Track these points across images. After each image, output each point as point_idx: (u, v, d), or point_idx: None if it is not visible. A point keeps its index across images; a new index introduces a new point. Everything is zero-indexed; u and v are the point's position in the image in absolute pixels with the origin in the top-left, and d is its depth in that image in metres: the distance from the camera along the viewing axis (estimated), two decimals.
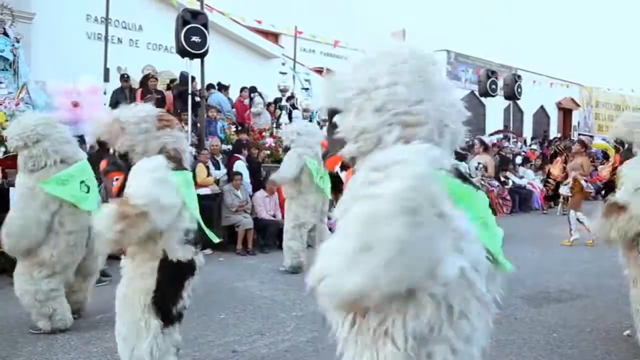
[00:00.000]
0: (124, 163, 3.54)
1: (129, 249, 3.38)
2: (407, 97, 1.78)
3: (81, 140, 7.59)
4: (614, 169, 4.94)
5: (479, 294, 1.63)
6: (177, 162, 3.47)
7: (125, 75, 11.69)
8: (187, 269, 3.42)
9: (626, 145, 4.57)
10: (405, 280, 1.46)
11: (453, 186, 1.66)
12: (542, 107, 28.87)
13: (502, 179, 14.84)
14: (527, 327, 5.21)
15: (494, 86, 20.09)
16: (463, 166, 5.80)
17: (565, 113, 31.21)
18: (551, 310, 5.77)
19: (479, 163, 13.01)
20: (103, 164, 4.12)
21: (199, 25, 9.87)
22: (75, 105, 8.31)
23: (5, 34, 8.75)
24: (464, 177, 1.82)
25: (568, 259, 8.39)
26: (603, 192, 12.99)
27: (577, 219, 9.81)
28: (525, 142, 22.25)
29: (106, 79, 11.67)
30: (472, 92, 23.74)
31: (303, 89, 14.60)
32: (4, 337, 4.87)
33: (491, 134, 16.87)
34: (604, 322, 5.26)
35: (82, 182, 4.96)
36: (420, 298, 1.57)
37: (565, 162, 11.71)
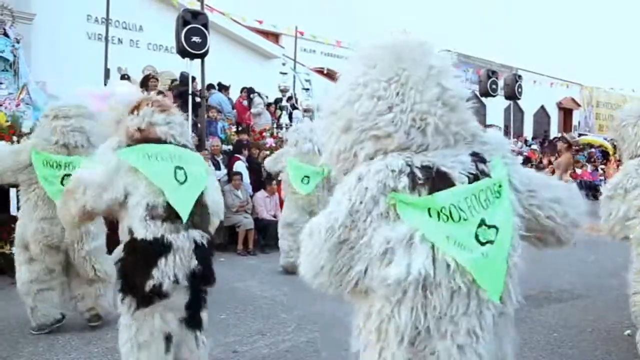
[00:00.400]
0: None
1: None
2: (371, 111, 1.78)
3: None
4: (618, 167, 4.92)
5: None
6: (141, 138, 3.39)
7: (126, 76, 11.72)
8: (155, 246, 3.20)
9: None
10: (333, 285, 1.83)
11: (399, 197, 1.70)
12: (542, 107, 28.89)
13: None
14: (528, 327, 5.19)
15: (494, 86, 20.09)
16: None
17: (566, 113, 31.23)
18: (551, 310, 5.77)
19: None
20: None
21: (199, 26, 9.87)
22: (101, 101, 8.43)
23: (6, 34, 8.80)
24: (437, 173, 1.73)
25: (568, 258, 8.38)
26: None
27: None
28: (525, 142, 22.25)
29: (107, 79, 11.69)
30: (473, 92, 23.77)
31: (303, 89, 14.58)
32: (4, 337, 4.88)
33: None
34: (604, 322, 5.27)
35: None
36: (372, 298, 1.79)
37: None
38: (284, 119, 12.79)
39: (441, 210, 1.69)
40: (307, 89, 14.19)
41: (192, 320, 3.48)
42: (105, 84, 11.06)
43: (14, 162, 4.79)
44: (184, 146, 3.55)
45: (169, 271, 3.17)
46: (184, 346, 3.46)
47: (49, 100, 8.89)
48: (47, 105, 8.70)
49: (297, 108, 14.17)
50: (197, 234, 3.33)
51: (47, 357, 4.42)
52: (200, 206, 3.43)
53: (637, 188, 4.00)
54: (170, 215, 3.25)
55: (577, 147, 12.82)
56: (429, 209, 1.69)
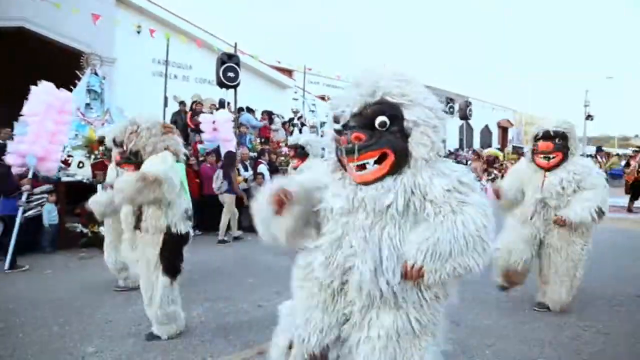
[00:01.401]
0: (134, 158, 3.57)
1: (143, 225, 3.47)
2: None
3: (216, 152, 9.15)
4: None
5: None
6: (177, 159, 3.66)
7: (183, 102, 11.82)
8: (186, 238, 3.60)
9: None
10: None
11: None
12: (486, 125, 28.81)
13: None
14: (475, 287, 5.17)
15: (451, 109, 20.09)
16: None
17: (503, 130, 31.16)
18: (494, 274, 5.75)
19: None
20: (117, 157, 4.32)
21: (233, 64, 9.91)
22: (215, 129, 9.19)
23: (96, 73, 9.10)
24: None
25: None
26: None
27: None
28: (474, 151, 22.21)
29: (165, 105, 11.75)
30: None
31: (310, 111, 14.63)
32: (94, 292, 4.94)
33: None
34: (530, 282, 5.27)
35: None
36: None
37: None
38: (296, 133, 12.85)
39: None
40: (313, 111, 14.25)
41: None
42: (164, 109, 11.16)
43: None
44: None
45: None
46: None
47: (125, 119, 9.03)
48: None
49: (305, 125, 14.24)
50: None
51: (123, 307, 4.47)
52: None
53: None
54: (191, 216, 3.69)
55: (483, 158, 12.84)
56: None
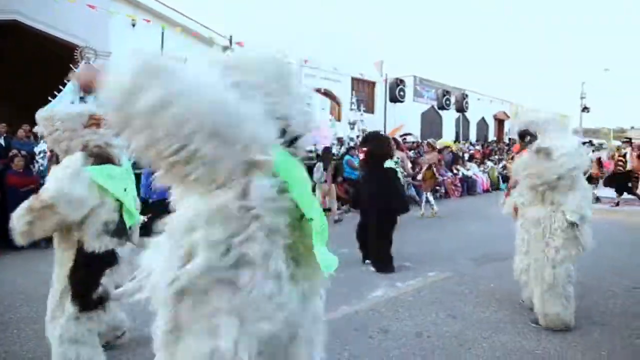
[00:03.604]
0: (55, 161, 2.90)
1: (55, 239, 2.82)
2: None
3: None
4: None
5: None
6: (101, 158, 2.82)
7: None
8: (105, 258, 2.78)
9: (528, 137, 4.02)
10: None
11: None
12: (483, 118, 28.78)
13: (454, 170, 14.89)
14: (472, 279, 5.25)
15: (448, 102, 20.16)
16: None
17: (500, 123, 31.15)
18: (490, 267, 5.81)
19: (397, 157, 13.18)
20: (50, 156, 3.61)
21: None
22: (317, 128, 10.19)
23: None
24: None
25: (504, 230, 8.40)
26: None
27: (427, 199, 10.17)
28: (471, 143, 22.25)
29: None
30: (432, 106, 23.72)
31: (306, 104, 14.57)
32: None
33: (401, 136, 16.63)
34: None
35: None
36: None
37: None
38: None
39: None
40: (309, 104, 14.19)
41: None
42: None
43: None
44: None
45: (115, 279, 2.77)
46: None
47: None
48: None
49: None
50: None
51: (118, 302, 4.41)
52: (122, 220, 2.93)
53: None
54: (119, 230, 2.85)
55: (439, 148, 13.00)
56: None
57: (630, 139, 13.89)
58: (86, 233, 2.73)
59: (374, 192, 5.70)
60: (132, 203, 2.98)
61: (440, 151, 15.05)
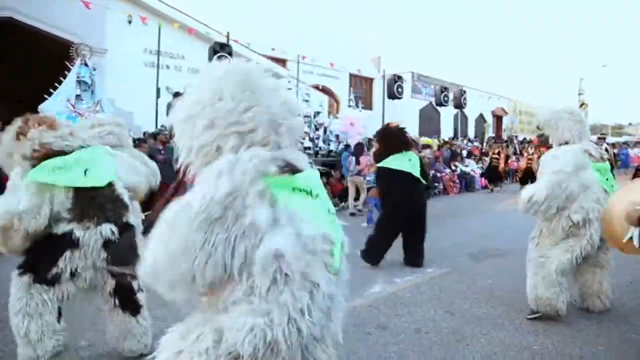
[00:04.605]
0: None
1: None
2: (234, 108, 1.54)
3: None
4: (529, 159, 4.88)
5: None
6: (44, 157, 2.76)
7: (178, 93, 11.78)
8: (64, 240, 2.74)
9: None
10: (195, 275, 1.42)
11: (272, 179, 1.45)
12: (481, 114, 28.79)
13: (452, 167, 14.91)
14: (470, 276, 5.26)
15: (446, 98, 20.11)
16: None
17: (498, 119, 31.18)
18: (488, 264, 5.82)
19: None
20: None
21: (225, 54, 9.81)
22: (352, 124, 11.60)
23: (86, 64, 9.05)
24: (290, 165, 1.54)
25: (500, 226, 8.45)
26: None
27: None
28: (469, 140, 22.26)
29: (158, 96, 11.67)
30: (430, 102, 23.72)
31: (304, 100, 14.52)
32: None
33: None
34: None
35: None
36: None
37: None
38: None
39: (302, 189, 1.52)
40: (307, 100, 14.12)
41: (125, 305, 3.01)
42: (157, 100, 11.08)
43: None
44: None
45: (71, 262, 2.74)
46: (129, 336, 3.05)
47: (116, 111, 8.99)
48: (114, 114, 8.88)
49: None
50: (108, 229, 2.80)
51: None
52: (112, 200, 2.89)
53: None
54: (80, 213, 2.76)
55: (420, 146, 13.19)
56: (293, 188, 1.50)
57: None
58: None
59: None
60: (99, 180, 2.87)
61: (439, 147, 15.09)
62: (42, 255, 2.75)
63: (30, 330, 2.70)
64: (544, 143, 10.75)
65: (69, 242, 2.73)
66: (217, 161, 1.49)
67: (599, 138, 16.23)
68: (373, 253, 5.62)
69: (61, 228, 2.74)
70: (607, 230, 3.36)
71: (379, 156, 6.00)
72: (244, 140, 1.52)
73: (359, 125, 12.27)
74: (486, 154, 17.56)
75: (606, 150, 13.09)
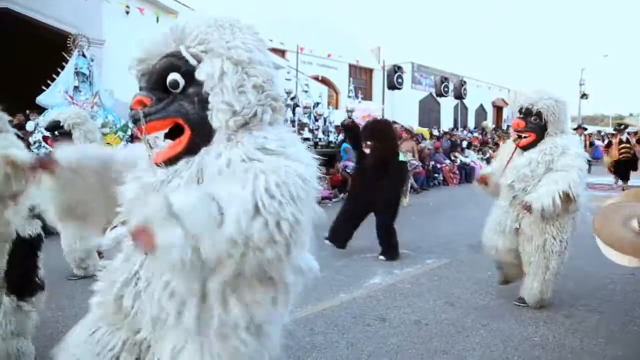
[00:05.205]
0: None
1: None
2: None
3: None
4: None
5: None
6: None
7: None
8: (38, 241, 2.79)
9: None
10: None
11: None
12: (481, 105, 28.71)
13: (452, 158, 14.88)
14: (470, 267, 5.25)
15: (446, 89, 20.07)
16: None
17: (498, 109, 31.10)
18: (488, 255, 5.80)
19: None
20: None
21: None
22: (369, 116, 10.95)
23: (84, 55, 9.01)
24: None
25: None
26: None
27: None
28: (469, 131, 22.22)
29: None
30: (430, 93, 23.65)
31: (303, 91, 14.46)
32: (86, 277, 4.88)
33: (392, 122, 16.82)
34: None
35: None
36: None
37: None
38: (289, 113, 12.73)
39: None
40: (306, 91, 14.05)
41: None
42: None
43: None
44: None
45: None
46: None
47: (115, 102, 8.94)
48: (113, 107, 8.84)
49: (298, 105, 14.10)
50: None
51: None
52: None
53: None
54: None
55: (415, 136, 13.30)
56: None
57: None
58: (18, 220, 2.66)
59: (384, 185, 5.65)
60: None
61: (439, 138, 15.02)
62: (24, 262, 2.75)
63: (22, 348, 2.72)
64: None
65: (41, 241, 2.86)
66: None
67: (575, 129, 15.73)
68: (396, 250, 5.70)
69: (34, 227, 2.77)
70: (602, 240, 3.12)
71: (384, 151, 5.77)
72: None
73: (376, 112, 12.50)
74: (486, 143, 17.52)
75: (627, 140, 13.00)
